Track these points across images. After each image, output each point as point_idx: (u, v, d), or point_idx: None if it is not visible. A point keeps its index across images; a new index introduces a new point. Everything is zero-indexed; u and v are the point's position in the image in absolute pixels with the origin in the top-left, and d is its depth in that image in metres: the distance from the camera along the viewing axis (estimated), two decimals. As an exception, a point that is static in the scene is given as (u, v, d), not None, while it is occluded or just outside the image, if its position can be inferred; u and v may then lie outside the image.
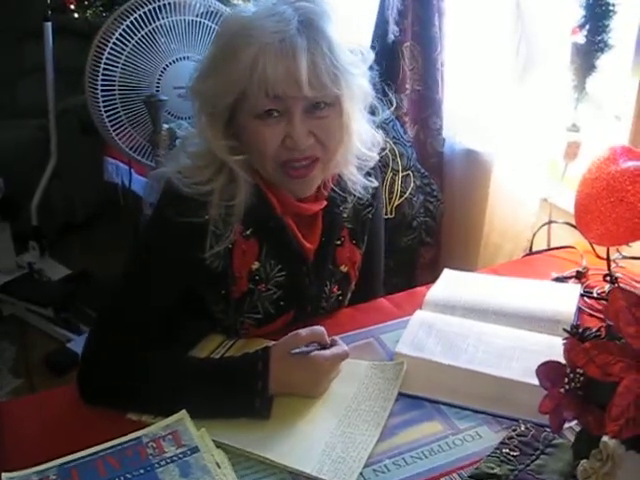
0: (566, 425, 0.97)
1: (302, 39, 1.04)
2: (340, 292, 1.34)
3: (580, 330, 0.84)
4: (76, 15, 2.74)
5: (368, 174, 1.29)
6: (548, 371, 0.84)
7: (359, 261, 1.35)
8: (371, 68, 1.19)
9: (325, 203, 1.24)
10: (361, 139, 1.21)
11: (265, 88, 1.06)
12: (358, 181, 1.26)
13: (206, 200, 1.14)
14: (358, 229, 1.33)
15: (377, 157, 1.28)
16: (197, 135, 1.19)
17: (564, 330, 0.85)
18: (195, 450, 0.97)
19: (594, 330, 0.84)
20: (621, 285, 1.44)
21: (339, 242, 1.30)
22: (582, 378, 0.79)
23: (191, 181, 1.14)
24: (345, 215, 1.30)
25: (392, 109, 1.33)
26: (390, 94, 1.30)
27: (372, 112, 1.24)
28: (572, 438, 0.96)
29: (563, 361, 0.83)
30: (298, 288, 1.26)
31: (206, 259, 1.17)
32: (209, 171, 1.15)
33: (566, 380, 0.80)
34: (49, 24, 2.69)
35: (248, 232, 1.20)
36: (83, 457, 0.96)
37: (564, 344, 0.81)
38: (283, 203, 1.20)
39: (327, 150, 1.14)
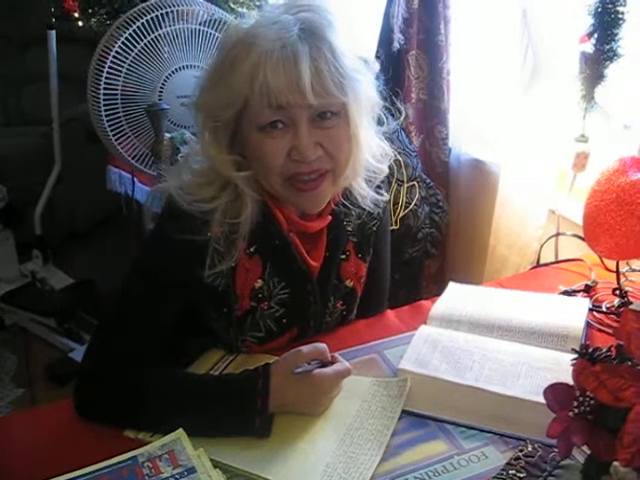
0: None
1: (303, 45, 1.02)
2: (345, 307, 1.31)
3: (590, 350, 0.81)
4: (80, 23, 2.73)
5: (378, 187, 1.26)
6: (556, 393, 0.81)
7: (365, 276, 1.32)
8: (377, 77, 1.17)
9: (329, 219, 1.21)
10: (370, 150, 1.18)
11: (267, 97, 1.02)
12: (368, 195, 1.23)
13: (209, 218, 1.11)
14: (363, 242, 1.30)
15: (387, 170, 1.25)
16: (201, 152, 1.16)
17: (573, 350, 0.83)
18: (192, 471, 0.94)
19: (604, 350, 0.81)
20: (631, 300, 1.41)
21: (344, 256, 1.27)
22: (592, 402, 0.76)
23: (193, 198, 1.11)
24: (350, 229, 1.27)
25: (401, 119, 1.30)
26: (398, 103, 1.27)
27: (380, 123, 1.22)
28: (581, 459, 0.93)
29: (571, 380, 0.81)
30: (302, 306, 1.24)
31: (208, 277, 1.14)
32: (213, 188, 1.12)
33: (575, 403, 0.78)
34: (53, 32, 2.69)
35: (252, 249, 1.17)
36: (77, 477, 0.94)
37: (573, 365, 0.78)
38: (288, 221, 1.17)
39: (336, 162, 1.10)
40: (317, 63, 1.02)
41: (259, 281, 1.19)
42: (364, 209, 1.25)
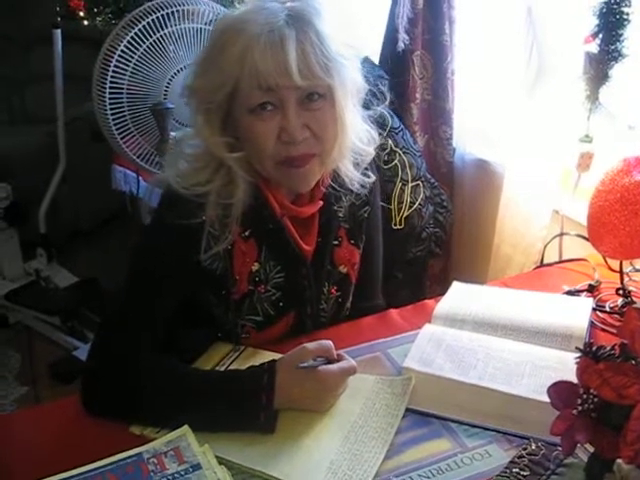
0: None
1: (290, 30, 1.06)
2: (339, 293, 1.33)
3: (593, 349, 0.81)
4: (86, 22, 2.73)
5: (365, 169, 1.29)
6: (560, 391, 0.81)
7: (358, 262, 1.35)
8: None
9: (321, 204, 1.24)
10: (356, 133, 1.22)
11: (257, 79, 1.07)
12: (355, 177, 1.26)
13: (203, 201, 1.14)
14: (355, 229, 1.33)
15: (373, 152, 1.29)
16: (194, 136, 1.20)
17: (577, 349, 0.83)
18: (197, 467, 0.95)
19: (608, 349, 0.82)
20: (634, 299, 1.41)
21: (337, 242, 1.30)
22: (596, 399, 0.77)
23: (189, 183, 1.14)
24: (341, 215, 1.30)
25: (386, 103, 1.34)
26: (383, 88, 1.30)
27: (367, 107, 1.26)
28: (584, 457, 0.93)
29: (575, 379, 0.81)
30: (297, 289, 1.26)
31: (205, 260, 1.17)
32: (207, 172, 1.16)
33: (579, 401, 0.78)
34: (58, 31, 2.70)
35: (247, 233, 1.21)
36: (82, 473, 0.94)
37: (577, 364, 0.79)
38: (280, 205, 1.20)
39: (322, 144, 1.14)
40: (303, 46, 1.06)
41: (255, 264, 1.22)
42: (353, 193, 1.29)
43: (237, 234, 1.19)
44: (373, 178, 1.31)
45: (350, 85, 1.15)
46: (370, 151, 1.27)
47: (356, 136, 1.22)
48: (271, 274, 1.23)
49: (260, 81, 1.07)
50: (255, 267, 1.22)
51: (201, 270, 1.18)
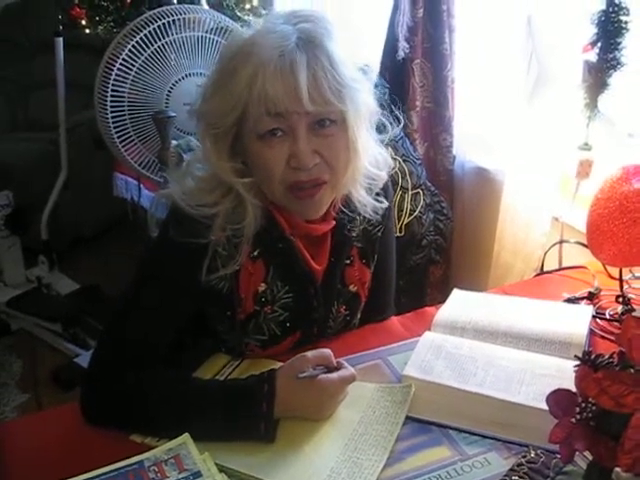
0: (577, 451, 0.94)
1: (301, 54, 1.03)
2: (348, 312, 1.31)
3: (592, 357, 0.82)
4: (87, 31, 2.76)
5: (377, 194, 1.26)
6: (559, 399, 0.82)
7: (369, 281, 1.33)
8: (381, 85, 1.17)
9: (334, 223, 1.22)
10: (369, 158, 1.19)
11: (265, 104, 1.04)
12: (367, 203, 1.23)
13: (211, 223, 1.12)
14: (368, 248, 1.31)
15: (386, 177, 1.26)
16: (203, 159, 1.18)
17: (576, 357, 0.83)
18: (197, 475, 0.95)
19: (606, 357, 0.82)
20: (634, 307, 1.41)
21: (348, 261, 1.28)
22: (594, 408, 0.77)
23: (196, 203, 1.12)
24: (354, 234, 1.28)
25: (400, 126, 1.31)
26: (396, 111, 1.28)
27: (380, 131, 1.23)
28: (583, 465, 0.93)
29: (574, 387, 0.81)
30: (305, 310, 1.24)
31: (211, 280, 1.15)
32: (215, 195, 1.13)
33: (578, 410, 0.78)
34: (60, 39, 2.72)
35: (255, 253, 1.18)
36: (84, 481, 0.95)
37: (575, 372, 0.79)
38: (291, 224, 1.18)
39: (334, 172, 1.11)
40: (314, 71, 1.03)
41: (262, 285, 1.20)
42: (364, 216, 1.26)
43: (246, 254, 1.16)
44: (385, 204, 1.28)
45: (364, 110, 1.12)
46: (383, 176, 1.24)
47: (369, 161, 1.19)
48: (278, 295, 1.21)
49: (269, 106, 1.04)
50: (262, 288, 1.20)
51: (207, 289, 1.16)
